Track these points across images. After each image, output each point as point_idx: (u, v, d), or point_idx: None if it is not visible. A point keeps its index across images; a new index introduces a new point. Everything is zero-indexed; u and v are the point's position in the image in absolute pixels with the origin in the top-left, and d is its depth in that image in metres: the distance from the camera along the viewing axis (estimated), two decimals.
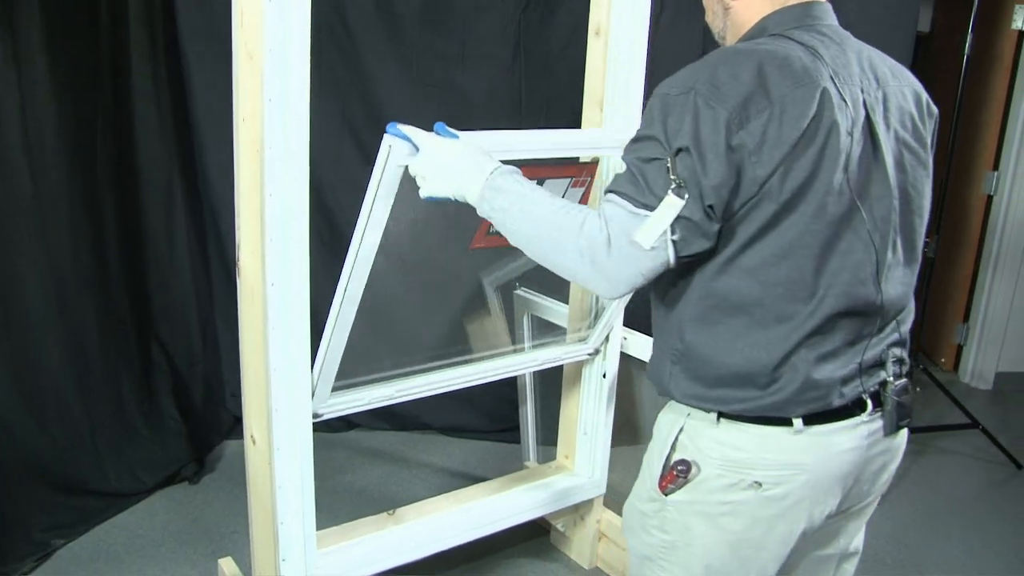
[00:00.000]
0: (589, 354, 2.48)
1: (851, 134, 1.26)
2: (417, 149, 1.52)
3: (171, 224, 3.09)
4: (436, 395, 2.48)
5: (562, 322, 2.62)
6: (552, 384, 2.77)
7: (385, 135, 1.57)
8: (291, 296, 1.80)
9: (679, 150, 1.21)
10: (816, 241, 1.26)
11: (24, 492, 2.62)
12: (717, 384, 1.33)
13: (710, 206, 1.21)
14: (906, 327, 1.43)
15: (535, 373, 2.83)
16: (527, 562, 2.70)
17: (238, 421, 3.38)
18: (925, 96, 1.44)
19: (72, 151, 2.70)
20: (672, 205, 1.20)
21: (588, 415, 2.53)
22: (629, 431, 2.85)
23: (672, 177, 1.20)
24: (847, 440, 1.34)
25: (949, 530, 3.03)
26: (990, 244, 4.43)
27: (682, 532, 1.39)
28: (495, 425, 3.45)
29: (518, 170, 1.39)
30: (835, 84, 1.27)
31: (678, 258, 1.24)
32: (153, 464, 2.95)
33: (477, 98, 3.20)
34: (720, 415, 1.34)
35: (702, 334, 1.33)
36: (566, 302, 2.58)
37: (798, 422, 1.31)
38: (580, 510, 2.64)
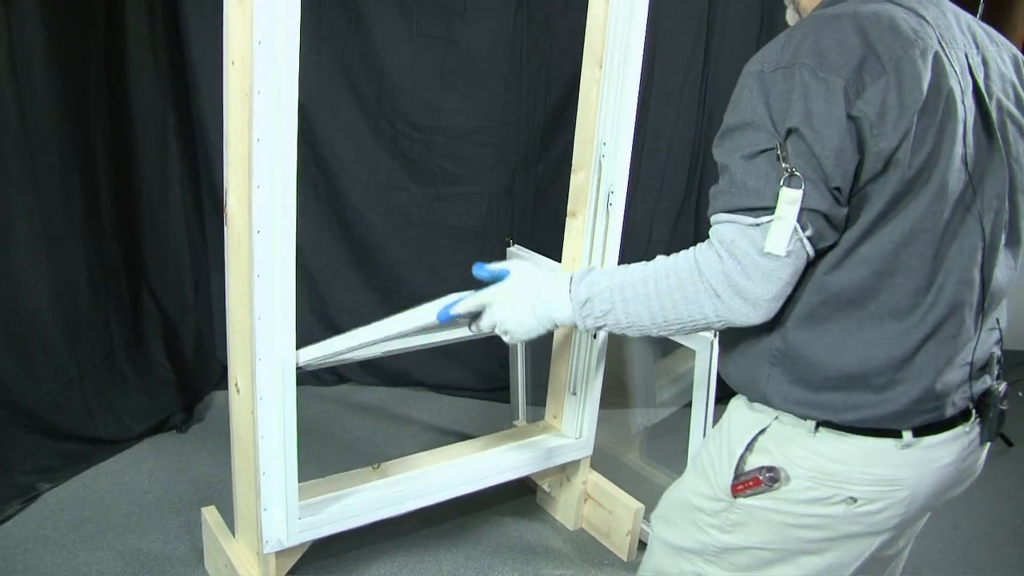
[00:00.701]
0: None
1: (964, 103, 1.15)
2: (478, 314, 1.44)
3: (165, 170, 3.05)
4: (427, 352, 2.47)
5: None
6: (543, 345, 2.75)
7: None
8: (277, 244, 1.78)
9: (789, 131, 1.09)
10: (938, 224, 1.14)
11: (9, 436, 2.61)
12: (823, 388, 1.20)
13: (836, 188, 1.10)
14: (1004, 321, 1.32)
15: None
16: (512, 521, 2.70)
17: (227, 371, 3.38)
18: None
19: (63, 94, 2.65)
20: (791, 200, 1.08)
21: (578, 376, 2.52)
22: (619, 393, 2.83)
23: (784, 167, 1.08)
24: (947, 454, 1.25)
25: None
26: None
27: (747, 536, 1.30)
28: (485, 384, 3.44)
29: (590, 267, 1.32)
30: (943, 48, 1.15)
31: (816, 251, 1.13)
32: (141, 412, 2.95)
33: (477, 51, 3.15)
34: (819, 424, 1.22)
35: (808, 332, 1.20)
36: (559, 260, 2.56)
37: (908, 435, 1.20)
38: (567, 471, 2.64)
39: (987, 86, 1.21)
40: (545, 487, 2.70)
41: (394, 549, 2.51)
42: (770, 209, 1.10)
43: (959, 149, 1.15)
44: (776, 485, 1.24)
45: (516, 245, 2.82)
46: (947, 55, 1.15)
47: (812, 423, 1.22)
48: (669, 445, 2.81)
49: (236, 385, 2.00)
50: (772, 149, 1.10)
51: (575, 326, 1.31)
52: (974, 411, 1.27)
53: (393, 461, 2.38)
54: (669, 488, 1.48)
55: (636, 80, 2.22)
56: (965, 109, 1.15)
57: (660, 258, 1.23)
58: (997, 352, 1.30)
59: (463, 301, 1.42)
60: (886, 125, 1.08)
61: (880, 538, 1.27)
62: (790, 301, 1.19)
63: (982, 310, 1.23)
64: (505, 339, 1.42)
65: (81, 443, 2.78)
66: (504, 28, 3.14)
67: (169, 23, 2.97)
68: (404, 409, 3.35)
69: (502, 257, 2.92)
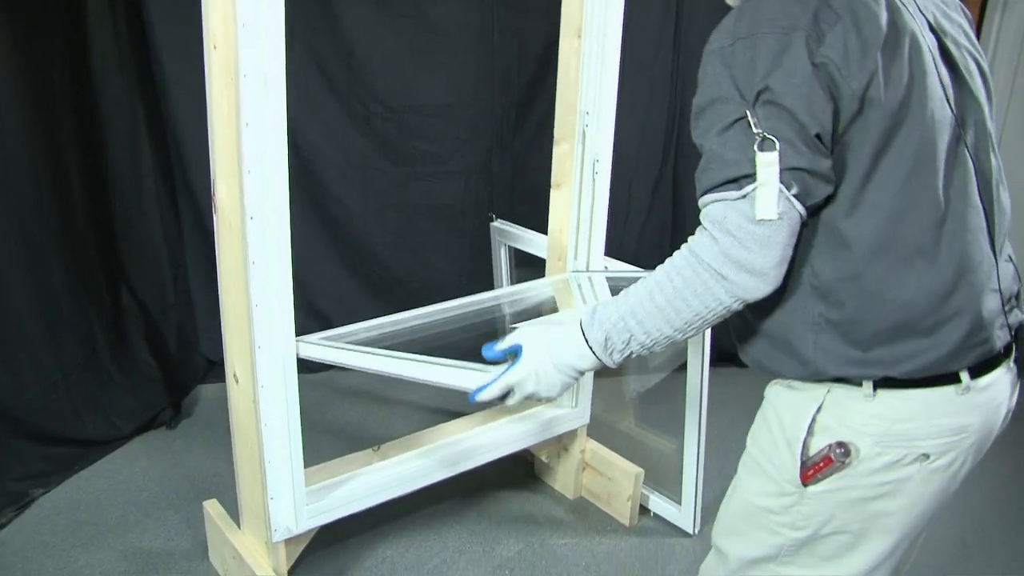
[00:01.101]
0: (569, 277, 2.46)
1: (924, 37, 1.18)
2: (508, 393, 1.39)
3: (137, 166, 3.00)
4: (412, 332, 2.46)
5: (541, 252, 2.60)
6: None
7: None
8: (271, 229, 1.76)
9: (758, 95, 1.10)
10: (936, 154, 1.16)
11: None
12: (875, 343, 1.19)
13: (817, 136, 1.10)
14: (1011, 254, 1.32)
15: (511, 307, 2.81)
16: (512, 494, 2.71)
17: (213, 365, 3.35)
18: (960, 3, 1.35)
19: (29, 97, 2.59)
20: (769, 163, 1.09)
21: None
22: None
23: (756, 132, 1.09)
24: (1000, 392, 1.25)
25: None
26: None
27: (822, 524, 1.26)
28: (473, 361, 3.43)
29: (593, 304, 1.29)
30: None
31: (807, 209, 1.13)
32: (129, 410, 2.91)
33: (447, 28, 3.13)
34: (876, 385, 1.20)
35: (846, 291, 1.19)
36: (541, 231, 2.56)
37: (966, 378, 1.20)
38: (564, 441, 2.65)
39: (939, 24, 1.23)
40: (543, 458, 2.71)
41: (398, 530, 2.51)
42: (751, 176, 1.10)
43: (935, 80, 1.17)
44: (848, 460, 1.21)
45: (499, 220, 2.82)
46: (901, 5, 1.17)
47: (869, 387, 1.20)
48: (663, 410, 2.84)
49: (235, 375, 1.98)
50: (743, 118, 1.11)
51: (606, 365, 1.29)
52: (1014, 346, 1.27)
53: (392, 442, 2.38)
54: (723, 503, 1.43)
55: (617, 49, 2.22)
56: (928, 44, 1.18)
57: (658, 268, 1.22)
58: (1017, 287, 1.31)
59: (489, 389, 1.37)
60: (851, 66, 1.10)
61: (952, 490, 1.27)
62: (820, 264, 1.19)
63: (992, 235, 1.23)
64: (543, 402, 1.40)
65: (71, 446, 2.75)
66: (473, 3, 3.12)
67: (132, 18, 2.90)
68: (393, 391, 3.34)
69: (484, 234, 2.92)
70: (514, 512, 2.63)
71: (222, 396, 3.18)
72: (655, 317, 1.20)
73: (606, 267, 2.45)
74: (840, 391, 1.22)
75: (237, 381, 1.97)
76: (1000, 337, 1.23)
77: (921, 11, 1.22)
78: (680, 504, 2.56)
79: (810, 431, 1.24)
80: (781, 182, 1.09)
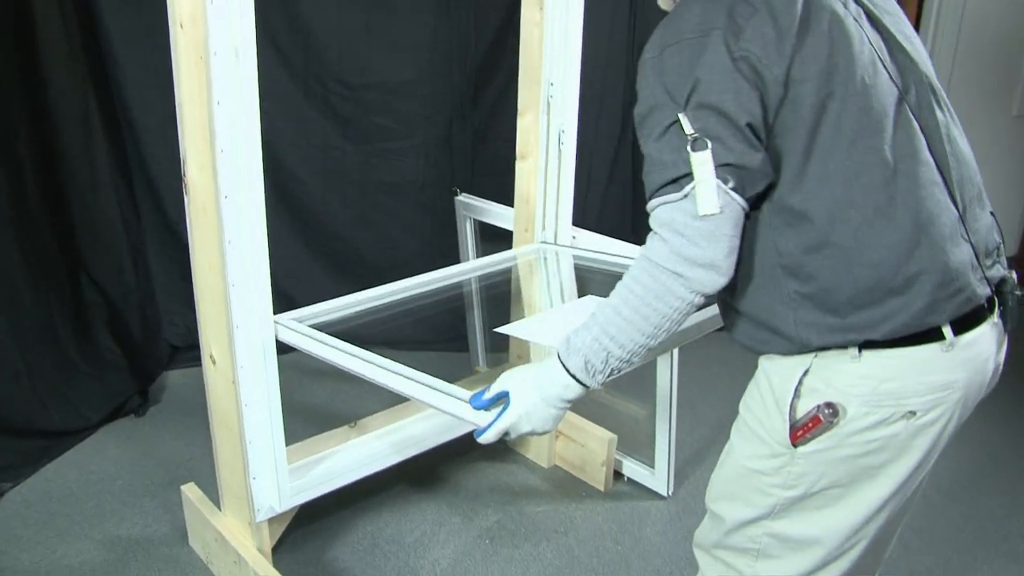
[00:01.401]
0: (539, 247, 2.49)
1: (847, 7, 1.24)
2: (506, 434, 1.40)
3: (91, 152, 2.94)
4: (378, 310, 2.47)
5: (507, 225, 2.62)
6: (498, 291, 2.77)
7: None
8: (246, 208, 1.76)
9: (688, 97, 1.16)
10: (875, 118, 1.20)
11: None
12: (851, 309, 1.22)
13: (748, 125, 1.16)
14: (988, 211, 1.36)
15: (480, 281, 2.83)
16: (487, 465, 2.74)
17: (177, 351, 3.32)
18: None
19: None
20: (702, 162, 1.15)
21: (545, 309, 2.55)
22: None
23: (687, 134, 1.16)
24: (986, 347, 1.29)
25: None
26: None
27: (813, 482, 1.30)
28: (440, 336, 3.45)
29: (566, 334, 1.31)
30: None
31: (747, 200, 1.19)
32: (96, 399, 2.88)
33: (404, 5, 3.12)
34: (861, 347, 1.23)
35: (814, 263, 1.23)
36: (506, 203, 2.58)
37: (949, 334, 1.23)
38: None
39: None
40: None
41: (376, 506, 2.52)
42: (689, 176, 1.16)
43: (865, 48, 1.22)
44: (836, 420, 1.24)
45: (463, 194, 2.83)
46: None
47: (854, 349, 1.23)
48: (634, 376, 2.85)
49: (211, 357, 1.97)
50: (676, 122, 1.17)
51: (595, 389, 1.32)
52: (996, 300, 1.31)
53: (369, 418, 2.39)
54: (716, 469, 1.46)
55: (580, 20, 2.24)
56: (851, 13, 1.23)
57: (618, 283, 1.27)
58: (997, 238, 1.35)
59: (486, 435, 1.39)
60: (771, 54, 1.16)
61: (938, 450, 1.31)
62: (784, 243, 1.24)
63: (950, 188, 1.27)
64: (538, 435, 1.41)
65: (38, 437, 2.71)
66: None
67: (78, 2, 2.84)
68: None
69: (448, 209, 2.93)
70: (490, 483, 2.66)
71: (189, 382, 3.20)
72: (626, 329, 1.25)
73: (574, 236, 2.48)
74: (827, 355, 1.26)
75: (214, 362, 1.97)
76: (979, 289, 1.27)
77: None
78: (653, 468, 2.61)
79: (797, 393, 1.28)
80: (717, 178, 1.15)
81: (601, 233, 2.49)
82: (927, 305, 1.22)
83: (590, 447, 2.62)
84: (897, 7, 1.37)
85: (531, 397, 1.34)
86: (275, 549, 2.15)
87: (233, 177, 1.72)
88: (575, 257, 2.43)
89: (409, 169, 3.29)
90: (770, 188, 1.22)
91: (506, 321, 2.70)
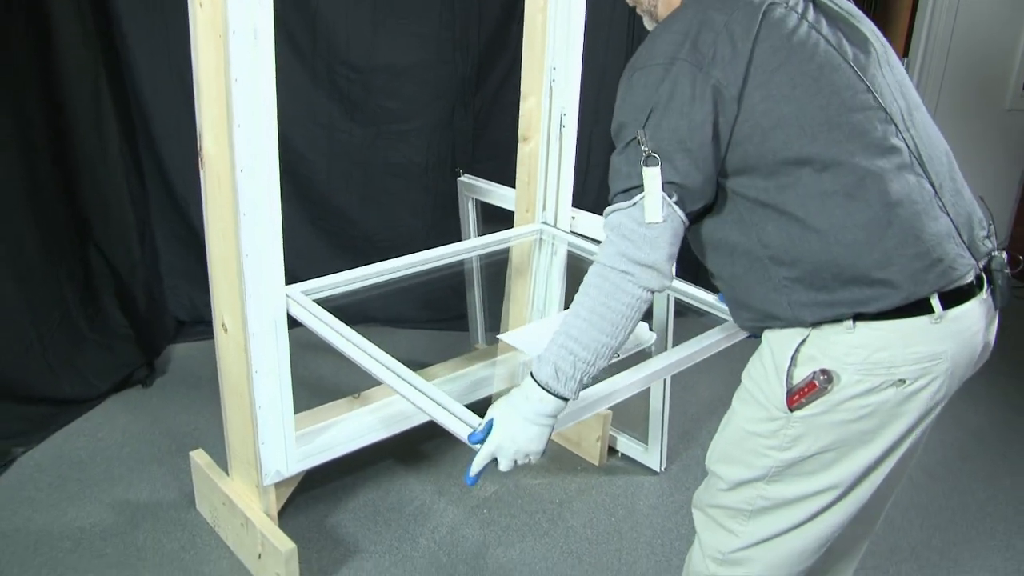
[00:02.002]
0: (540, 228, 2.56)
1: (806, 17, 1.35)
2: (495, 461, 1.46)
3: (101, 129, 3.00)
4: (379, 287, 2.54)
5: (508, 205, 2.69)
6: (498, 271, 2.84)
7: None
8: (261, 181, 1.82)
9: (647, 118, 1.30)
10: (839, 106, 1.30)
11: None
12: (838, 285, 1.32)
13: (697, 148, 1.29)
14: (968, 192, 1.43)
15: (480, 260, 2.90)
16: None
17: (182, 325, 3.40)
18: None
19: None
20: (653, 176, 1.29)
21: (540, 293, 2.62)
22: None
23: (643, 150, 1.29)
24: (974, 321, 1.37)
25: None
26: None
27: (808, 445, 1.38)
28: (438, 315, 3.53)
29: (537, 354, 1.39)
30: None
31: (687, 215, 1.33)
32: (105, 369, 2.95)
33: None
34: (855, 319, 1.32)
35: (798, 248, 1.33)
36: (508, 184, 2.64)
37: (938, 308, 1.31)
38: None
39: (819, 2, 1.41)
40: None
41: (375, 476, 2.60)
42: (640, 187, 1.30)
43: (817, 50, 1.32)
44: (830, 386, 1.33)
45: (466, 175, 2.89)
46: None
47: (849, 321, 1.32)
48: (629, 355, 2.95)
49: (223, 325, 2.04)
50: (635, 138, 1.30)
51: (569, 400, 1.38)
52: (985, 278, 1.38)
53: (372, 389, 2.46)
54: (717, 433, 1.54)
55: (583, 5, 2.30)
56: (808, 20, 1.34)
57: (576, 298, 1.38)
58: (981, 214, 1.43)
59: (473, 466, 1.46)
60: (729, 75, 1.29)
61: (930, 417, 1.39)
62: (767, 236, 1.34)
63: (922, 165, 1.35)
64: (533, 460, 1.46)
65: (49, 405, 2.78)
66: None
67: None
68: None
69: (449, 190, 3.00)
70: None
71: (194, 355, 3.28)
72: (587, 330, 1.35)
73: (573, 216, 2.55)
74: (823, 327, 1.35)
75: (226, 330, 2.04)
76: (961, 260, 1.34)
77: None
78: (647, 444, 2.69)
79: (794, 361, 1.36)
80: (663, 192, 1.29)
81: (599, 214, 2.56)
82: (910, 277, 1.29)
83: (586, 423, 2.69)
84: (857, 10, 1.47)
85: (511, 417, 1.40)
86: (279, 515, 2.22)
87: (249, 151, 1.78)
88: (570, 243, 2.52)
89: (413, 151, 3.36)
90: (751, 191, 1.34)
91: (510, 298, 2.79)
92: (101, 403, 2.92)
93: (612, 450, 2.76)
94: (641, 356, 1.91)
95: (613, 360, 1.60)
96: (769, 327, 1.43)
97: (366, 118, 3.29)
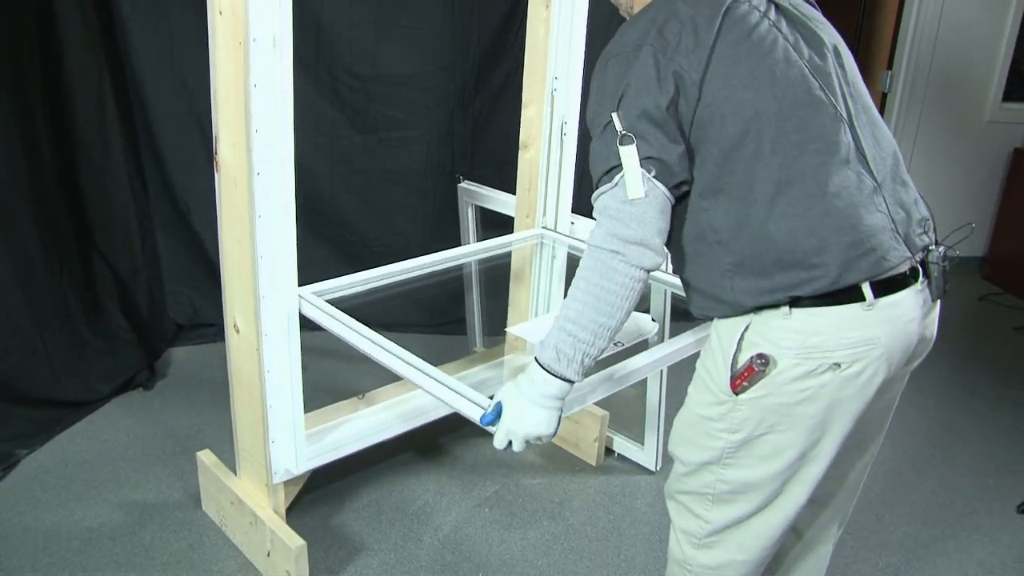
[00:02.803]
0: (540, 232, 2.62)
1: (768, 16, 1.44)
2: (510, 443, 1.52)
3: (104, 134, 3.04)
4: (378, 292, 2.58)
5: (508, 211, 2.75)
6: (497, 275, 2.90)
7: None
8: (277, 185, 1.86)
9: (619, 101, 1.37)
10: (787, 106, 1.38)
11: None
12: (777, 270, 1.38)
13: (667, 123, 1.36)
14: (912, 192, 1.50)
15: (479, 265, 2.96)
16: (483, 440, 2.85)
17: (181, 329, 3.43)
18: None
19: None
20: (629, 154, 1.35)
21: (541, 296, 2.68)
22: None
23: (618, 131, 1.36)
24: (908, 310, 1.43)
25: None
26: None
27: (754, 427, 1.45)
28: (436, 319, 3.58)
29: (539, 339, 1.46)
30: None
31: (670, 189, 1.38)
32: (107, 372, 2.98)
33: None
34: (792, 305, 1.39)
35: (741, 238, 1.40)
36: (508, 191, 2.70)
37: (869, 296, 1.37)
38: None
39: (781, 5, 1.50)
40: None
41: (378, 475, 2.65)
42: (619, 167, 1.36)
43: (776, 47, 1.41)
44: (767, 368, 1.40)
45: (466, 181, 2.95)
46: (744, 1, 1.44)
47: (786, 307, 1.39)
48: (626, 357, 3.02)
49: (235, 326, 2.08)
50: (610, 122, 1.37)
51: (573, 381, 1.44)
52: (920, 270, 1.45)
53: (376, 391, 2.51)
54: (676, 419, 1.62)
55: (585, 17, 2.37)
56: (770, 19, 1.43)
57: (574, 284, 1.44)
58: (923, 212, 1.50)
59: (495, 441, 1.52)
60: (692, 62, 1.36)
61: (868, 400, 1.45)
62: (716, 223, 1.42)
63: (865, 162, 1.43)
64: (544, 441, 1.52)
65: (51, 408, 2.81)
66: None
67: None
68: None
69: (449, 197, 3.06)
70: (486, 456, 2.79)
71: (193, 358, 3.32)
72: (586, 312, 1.39)
73: (572, 222, 2.61)
74: (763, 313, 1.42)
75: (238, 331, 2.08)
76: (894, 252, 1.40)
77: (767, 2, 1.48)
78: (643, 445, 2.75)
79: (739, 347, 1.44)
80: (642, 167, 1.35)
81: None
82: (842, 263, 1.37)
83: (584, 423, 2.75)
84: (819, 14, 1.57)
85: (519, 401, 1.47)
86: (287, 512, 2.26)
87: (266, 155, 1.83)
88: (570, 246, 2.58)
89: (413, 158, 3.42)
90: (703, 176, 1.41)
91: (506, 303, 2.85)
92: (103, 406, 2.95)
93: (609, 450, 2.82)
94: (645, 346, 1.97)
95: (617, 349, 1.72)
96: (715, 314, 1.50)
97: (367, 125, 3.34)
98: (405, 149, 3.40)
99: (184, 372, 3.22)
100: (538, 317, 2.66)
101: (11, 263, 2.73)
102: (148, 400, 3.02)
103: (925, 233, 1.49)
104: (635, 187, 1.35)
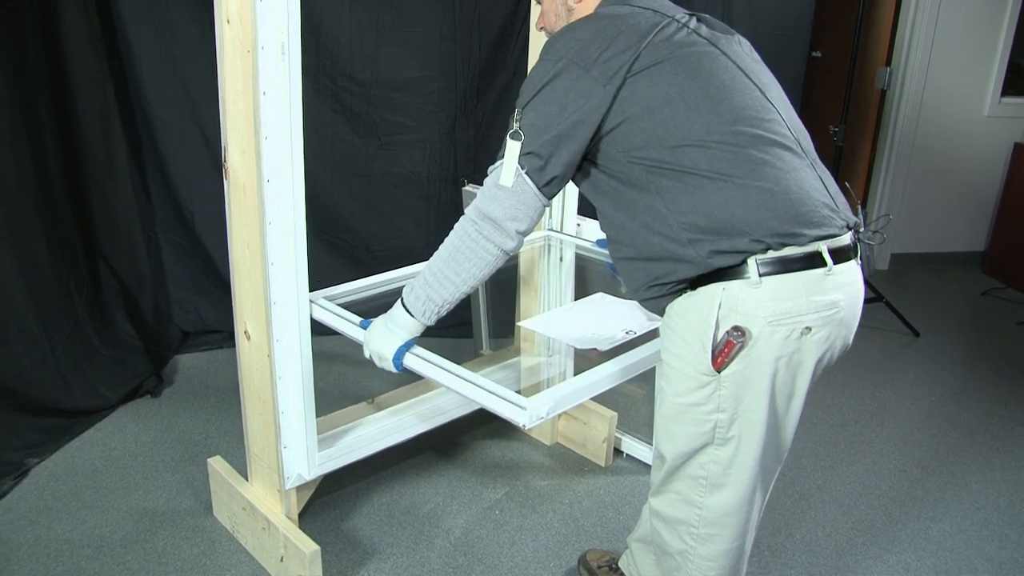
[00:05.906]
0: (547, 235, 2.63)
1: (688, 25, 1.56)
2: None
3: (109, 143, 3.05)
4: (384, 296, 2.59)
5: None
6: (503, 280, 2.90)
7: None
8: (288, 192, 1.87)
9: (528, 102, 1.52)
10: (716, 90, 1.48)
11: None
12: (732, 233, 1.45)
13: (557, 136, 1.48)
14: (830, 178, 1.58)
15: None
16: (492, 443, 2.87)
17: (187, 336, 3.44)
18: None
19: (3, 75, 2.64)
20: (512, 148, 1.51)
21: (549, 297, 2.69)
22: None
23: (514, 125, 1.52)
24: (856, 277, 1.53)
25: (864, 389, 3.39)
26: (884, 135, 4.76)
27: (739, 401, 1.50)
28: (440, 323, 3.55)
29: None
30: (661, 13, 1.56)
31: (540, 189, 1.53)
32: (115, 380, 2.99)
33: (411, 3, 3.25)
34: (761, 274, 1.44)
35: (696, 205, 1.47)
36: None
37: (829, 261, 1.46)
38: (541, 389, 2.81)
39: (698, 18, 1.62)
40: None
41: (388, 480, 2.65)
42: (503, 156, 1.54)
43: (697, 40, 1.53)
44: (744, 339, 1.46)
45: (470, 184, 2.96)
46: (668, 16, 1.56)
47: (756, 275, 1.45)
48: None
49: (245, 332, 2.09)
50: (518, 119, 1.52)
51: (419, 321, 1.72)
52: (857, 247, 1.55)
53: (386, 395, 2.52)
54: (654, 419, 1.67)
55: None
56: (690, 27, 1.56)
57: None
58: (842, 196, 1.58)
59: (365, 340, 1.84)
60: (610, 71, 1.47)
61: (825, 362, 1.54)
62: (670, 197, 1.48)
63: (799, 142, 1.54)
64: (378, 364, 1.81)
65: (61, 416, 2.81)
66: None
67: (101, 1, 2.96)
68: (363, 354, 3.45)
69: (450, 201, 3.07)
70: (496, 459, 2.80)
71: (199, 365, 3.33)
72: (436, 263, 1.64)
73: (578, 224, 2.62)
74: (733, 286, 1.47)
75: (248, 338, 2.08)
76: (835, 221, 1.50)
77: (690, 17, 1.60)
78: (651, 444, 2.75)
79: (716, 326, 1.48)
80: (518, 163, 1.51)
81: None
82: (792, 218, 1.45)
83: (592, 424, 2.76)
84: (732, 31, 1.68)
85: (378, 323, 1.80)
86: (299, 517, 2.27)
87: (276, 162, 1.83)
88: (577, 247, 2.59)
89: (414, 162, 3.42)
90: (647, 161, 1.50)
91: (514, 305, 2.86)
92: (112, 413, 2.95)
93: (618, 451, 2.83)
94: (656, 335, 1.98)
95: (629, 338, 1.94)
96: (677, 279, 1.53)
97: (368, 130, 3.35)
98: (407, 153, 3.40)
99: (191, 379, 3.22)
100: (547, 312, 2.67)
101: (19, 271, 2.73)
102: (156, 407, 3.02)
103: (852, 212, 1.58)
104: (506, 176, 1.52)
